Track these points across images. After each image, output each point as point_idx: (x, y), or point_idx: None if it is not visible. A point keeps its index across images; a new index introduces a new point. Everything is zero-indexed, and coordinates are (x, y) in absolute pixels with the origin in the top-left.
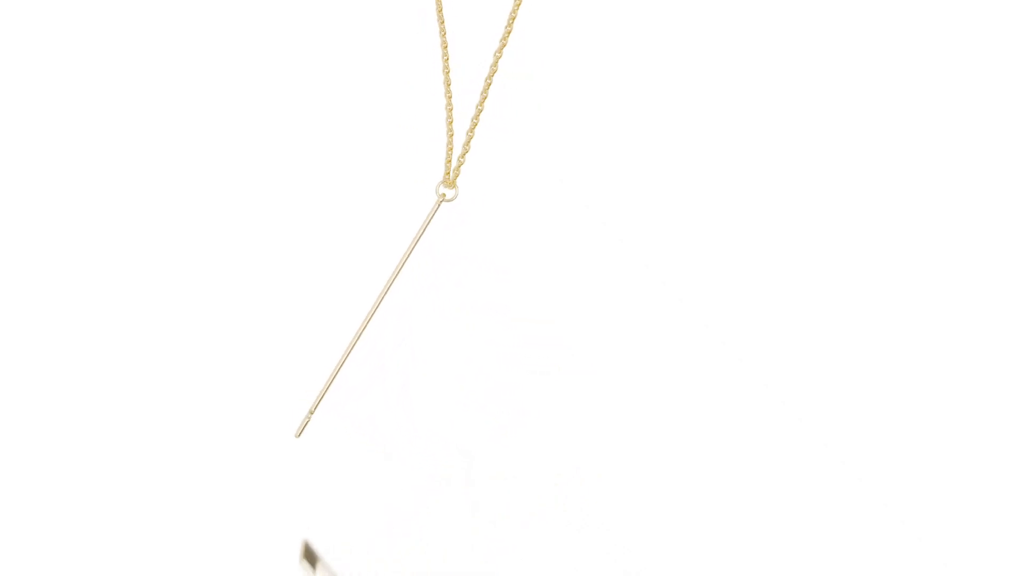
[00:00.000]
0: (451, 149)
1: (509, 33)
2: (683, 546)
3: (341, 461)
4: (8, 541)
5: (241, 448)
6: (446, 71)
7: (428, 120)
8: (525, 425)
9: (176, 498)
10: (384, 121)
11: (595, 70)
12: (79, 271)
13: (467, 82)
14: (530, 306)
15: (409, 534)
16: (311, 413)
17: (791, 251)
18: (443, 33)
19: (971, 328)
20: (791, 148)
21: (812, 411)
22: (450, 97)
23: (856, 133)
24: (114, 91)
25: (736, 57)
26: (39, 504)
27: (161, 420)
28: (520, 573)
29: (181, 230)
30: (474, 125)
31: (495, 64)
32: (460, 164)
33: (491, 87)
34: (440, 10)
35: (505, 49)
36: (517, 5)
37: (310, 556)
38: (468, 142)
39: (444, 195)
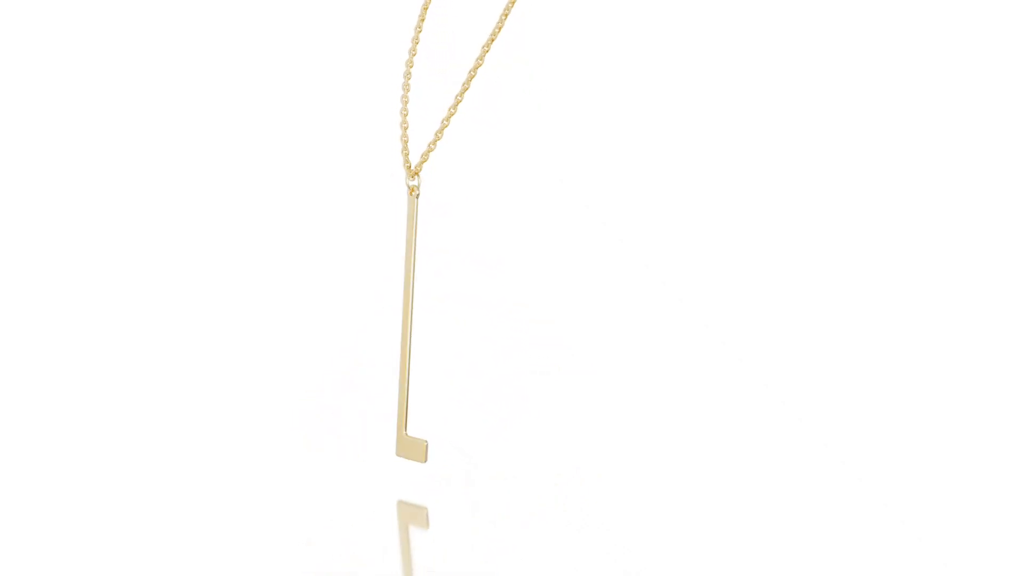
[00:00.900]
0: (406, 140)
1: (500, 28)
2: (683, 546)
3: (340, 462)
4: (9, 542)
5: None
6: (412, 53)
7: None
8: (525, 425)
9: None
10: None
11: (595, 67)
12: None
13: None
14: (529, 306)
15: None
16: (404, 430)
17: (791, 251)
18: (422, 19)
19: (971, 328)
20: (791, 148)
21: (812, 411)
22: (408, 90)
23: (856, 133)
24: (108, 90)
25: (735, 54)
26: (41, 504)
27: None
28: (520, 573)
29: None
30: (451, 115)
31: (481, 57)
32: (429, 151)
33: (474, 79)
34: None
35: (494, 44)
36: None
37: (411, 513)
38: (441, 130)
39: (415, 188)
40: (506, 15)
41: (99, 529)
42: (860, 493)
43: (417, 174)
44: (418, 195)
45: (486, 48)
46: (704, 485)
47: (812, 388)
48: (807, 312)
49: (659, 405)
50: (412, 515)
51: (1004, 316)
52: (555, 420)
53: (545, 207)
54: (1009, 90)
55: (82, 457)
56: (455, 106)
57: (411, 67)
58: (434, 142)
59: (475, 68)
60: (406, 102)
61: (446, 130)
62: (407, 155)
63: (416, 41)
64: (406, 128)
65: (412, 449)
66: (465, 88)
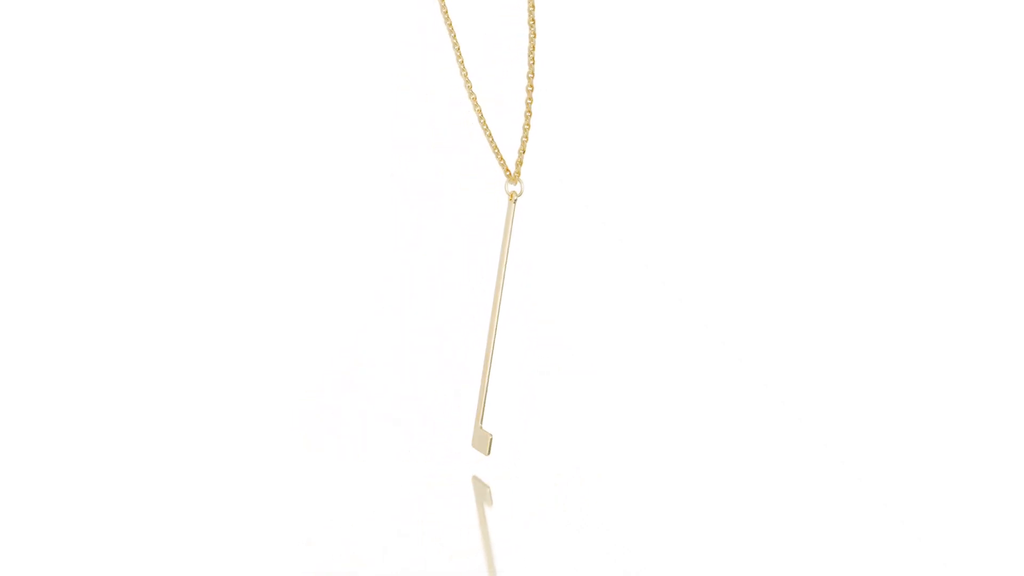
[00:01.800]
0: (495, 147)
1: (535, 35)
2: (683, 546)
3: (340, 463)
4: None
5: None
6: (464, 72)
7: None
8: (525, 425)
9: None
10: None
11: (593, 71)
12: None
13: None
14: (529, 305)
15: (410, 534)
16: (480, 424)
17: (791, 251)
18: (452, 34)
19: (971, 328)
20: (791, 149)
21: (812, 411)
22: (475, 98)
23: (856, 134)
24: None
25: (736, 58)
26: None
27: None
28: (521, 573)
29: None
30: (528, 124)
31: (532, 65)
32: (520, 160)
33: (534, 90)
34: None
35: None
36: (532, 8)
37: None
38: (525, 137)
39: (514, 193)
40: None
41: (99, 529)
42: (860, 493)
43: (518, 178)
44: (516, 200)
45: (532, 55)
46: (704, 484)
47: (812, 388)
48: (807, 312)
49: (659, 405)
50: (481, 493)
51: (1003, 316)
52: (555, 420)
53: (544, 207)
54: (1009, 90)
55: (82, 457)
56: (529, 118)
57: (466, 74)
58: (522, 150)
59: (531, 77)
60: (480, 111)
61: (528, 137)
62: (503, 162)
63: (457, 47)
64: (491, 136)
65: (481, 441)
66: (530, 94)
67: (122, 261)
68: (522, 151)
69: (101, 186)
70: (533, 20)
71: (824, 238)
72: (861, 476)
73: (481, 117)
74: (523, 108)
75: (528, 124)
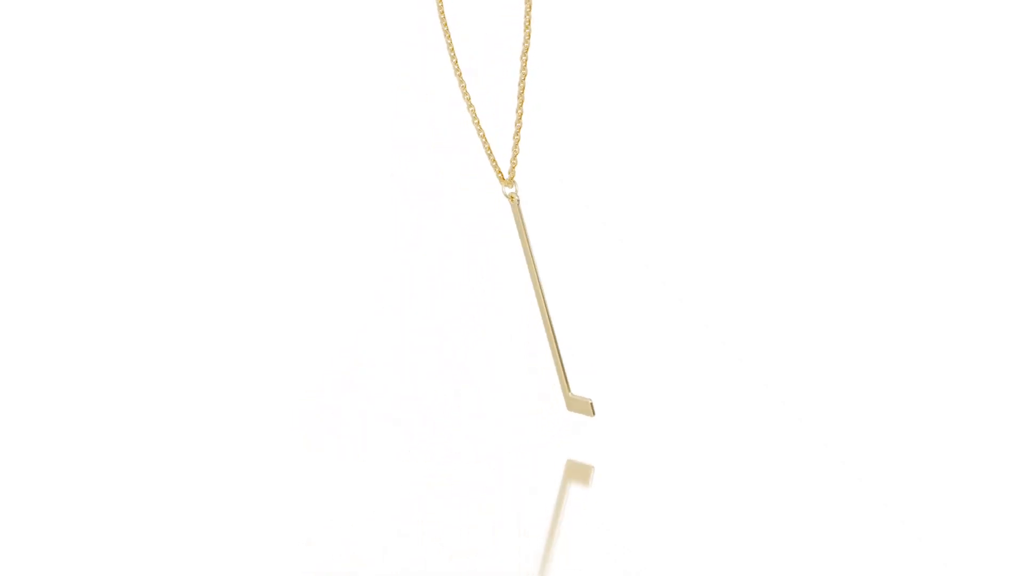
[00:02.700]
0: (489, 149)
1: (530, 35)
2: (683, 546)
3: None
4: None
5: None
6: (458, 73)
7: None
8: (525, 425)
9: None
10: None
11: (593, 70)
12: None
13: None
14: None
15: (411, 534)
16: (568, 391)
17: (791, 251)
18: (448, 36)
19: (971, 328)
20: (791, 149)
21: (812, 411)
22: (469, 99)
23: (856, 134)
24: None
25: (736, 58)
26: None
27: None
28: (521, 572)
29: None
30: (519, 128)
31: (524, 67)
32: (515, 160)
33: (525, 90)
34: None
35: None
36: (529, 7)
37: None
38: (516, 144)
39: (513, 195)
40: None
41: (99, 529)
42: (860, 493)
43: (512, 182)
44: (518, 200)
45: (524, 58)
46: (704, 484)
47: (812, 388)
48: (807, 312)
49: (659, 405)
50: (578, 473)
51: (1003, 316)
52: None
53: (544, 207)
54: (1009, 90)
55: (82, 457)
56: (519, 118)
57: (460, 76)
58: (515, 155)
59: (523, 79)
60: (475, 114)
61: (519, 143)
62: (497, 165)
63: (451, 48)
64: (486, 139)
65: (580, 406)
66: (521, 98)
67: (122, 261)
68: (515, 153)
69: (101, 186)
70: (529, 22)
71: (824, 237)
72: (861, 476)
73: (476, 119)
74: (517, 111)
75: (519, 126)
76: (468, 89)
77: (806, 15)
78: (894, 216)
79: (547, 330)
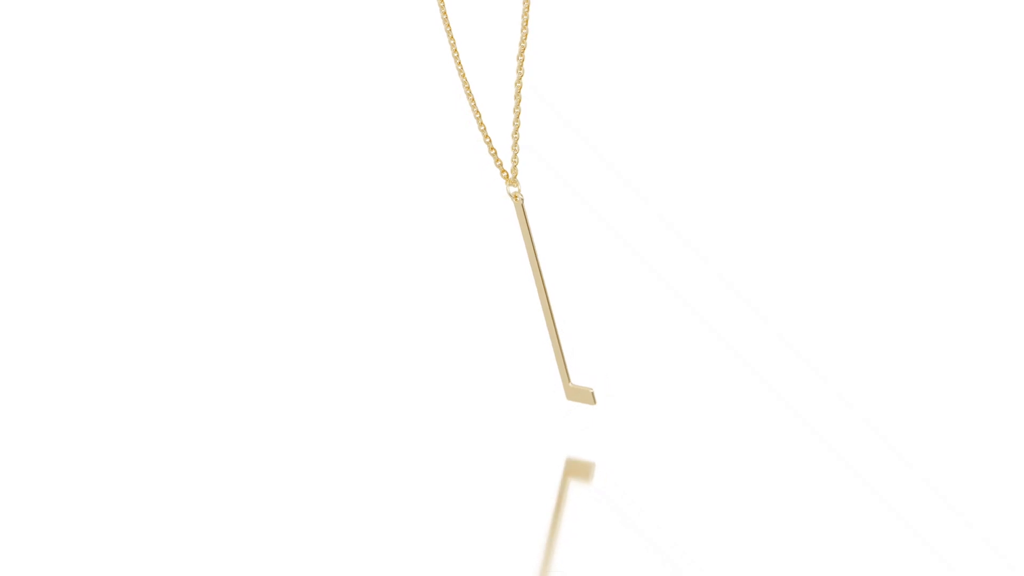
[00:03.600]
0: (493, 150)
1: (527, 35)
2: (683, 546)
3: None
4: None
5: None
6: (461, 73)
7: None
8: (525, 421)
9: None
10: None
11: (594, 68)
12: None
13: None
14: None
15: (410, 535)
16: (568, 381)
17: (791, 250)
18: (450, 36)
19: (971, 327)
20: (793, 147)
21: (812, 411)
22: (473, 101)
23: (857, 133)
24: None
25: (738, 54)
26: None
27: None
28: (521, 572)
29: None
30: (517, 127)
31: (520, 67)
32: (516, 158)
33: (523, 89)
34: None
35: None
36: (527, 7)
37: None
38: (516, 143)
39: (517, 194)
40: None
41: (98, 529)
42: (860, 493)
43: (516, 180)
44: (523, 199)
45: (521, 57)
46: (704, 484)
47: (812, 388)
48: (807, 311)
49: (659, 405)
50: (578, 470)
51: (1004, 315)
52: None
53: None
54: (1009, 90)
55: (82, 458)
56: (516, 118)
57: (463, 74)
58: (515, 154)
59: (519, 79)
60: (478, 113)
61: (518, 141)
62: (501, 164)
63: (454, 47)
64: (489, 140)
65: (580, 395)
66: (518, 98)
67: (121, 261)
68: (516, 152)
69: (100, 186)
70: (526, 22)
71: (824, 236)
72: (861, 476)
73: (479, 119)
74: (514, 110)
75: (517, 125)
76: (471, 89)
77: (812, 12)
78: (894, 215)
79: (548, 322)
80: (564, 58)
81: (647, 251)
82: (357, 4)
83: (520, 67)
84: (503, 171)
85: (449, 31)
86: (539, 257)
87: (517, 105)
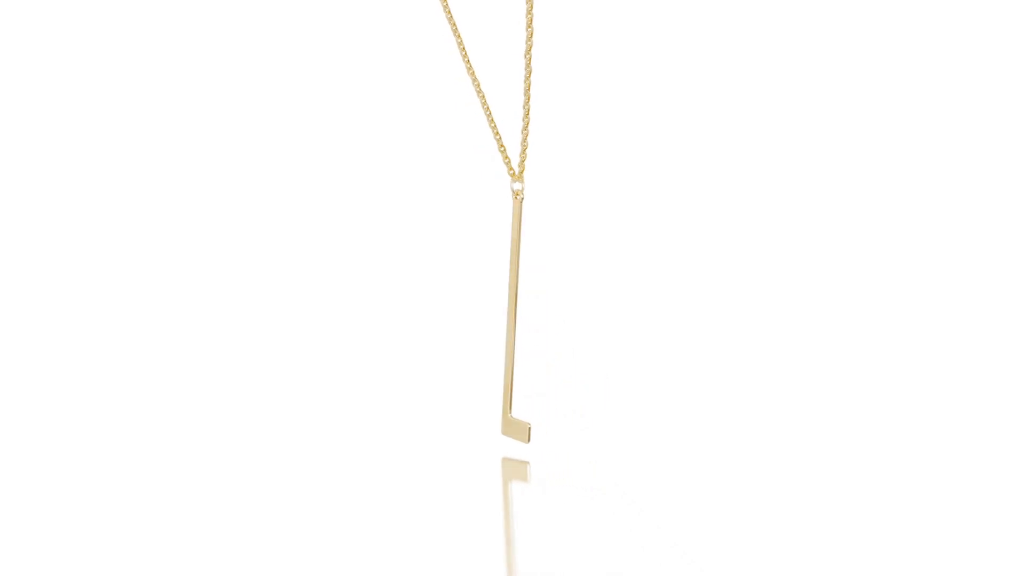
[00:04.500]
0: (502, 147)
1: (532, 33)
2: (683, 545)
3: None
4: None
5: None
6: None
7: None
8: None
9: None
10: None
11: (594, 68)
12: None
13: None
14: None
15: (409, 534)
16: (509, 412)
17: (791, 251)
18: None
19: (971, 327)
20: (794, 149)
21: (812, 411)
22: (483, 97)
23: (856, 134)
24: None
25: (742, 53)
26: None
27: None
28: (522, 572)
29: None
30: (526, 124)
31: (529, 64)
32: (523, 159)
33: (531, 87)
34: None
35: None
36: (531, 6)
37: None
38: (525, 139)
39: (519, 192)
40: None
41: (97, 529)
42: (860, 493)
43: (521, 179)
44: (523, 198)
45: (528, 56)
46: (704, 484)
47: (812, 388)
48: (807, 311)
49: (659, 405)
50: (515, 471)
51: (1004, 315)
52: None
53: (544, 207)
54: (1009, 90)
55: (82, 458)
56: (526, 114)
57: (472, 71)
58: (523, 150)
59: (528, 76)
60: (488, 109)
61: (527, 137)
62: (508, 161)
63: (461, 43)
64: (499, 136)
65: (516, 429)
66: (528, 95)
67: (121, 261)
68: (524, 149)
69: (99, 186)
70: (531, 19)
71: (824, 237)
72: (861, 476)
73: (489, 114)
74: (524, 106)
75: (527, 121)
76: (481, 85)
77: (804, 14)
78: (894, 216)
79: (508, 343)
80: (570, 56)
81: (649, 251)
82: (361, 1)
83: (528, 65)
84: (510, 168)
85: (455, 28)
86: (520, 267)
87: (527, 102)
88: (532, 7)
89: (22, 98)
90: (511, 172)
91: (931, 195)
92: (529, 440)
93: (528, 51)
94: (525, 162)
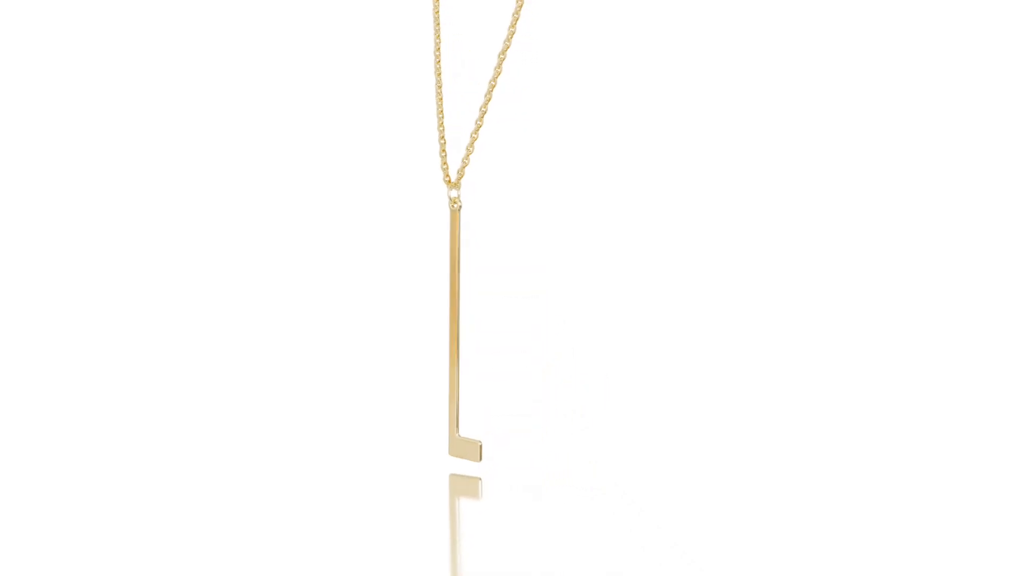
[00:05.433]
0: (444, 152)
1: (512, 35)
2: (683, 545)
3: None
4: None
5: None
6: (438, 73)
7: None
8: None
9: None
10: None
11: (593, 70)
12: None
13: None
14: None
15: (407, 535)
16: (456, 431)
17: (791, 251)
18: (438, 35)
19: (971, 327)
20: (794, 149)
21: (812, 411)
22: (441, 100)
23: (855, 134)
24: (123, 95)
25: (735, 58)
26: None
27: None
28: (522, 572)
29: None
30: (478, 127)
31: (499, 65)
32: (464, 166)
33: (495, 88)
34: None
35: (509, 51)
36: (519, 6)
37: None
38: (472, 144)
39: (456, 199)
40: (516, 19)
41: (97, 530)
42: (860, 493)
43: (457, 186)
44: (460, 207)
45: (502, 56)
46: (704, 484)
47: (812, 388)
48: (807, 311)
49: (659, 405)
50: (464, 487)
51: (1004, 315)
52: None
53: (543, 207)
54: (1009, 90)
55: (81, 458)
56: (481, 117)
57: (440, 75)
58: (467, 156)
59: (495, 77)
60: (441, 114)
61: (475, 142)
62: (447, 168)
63: (438, 49)
64: (444, 142)
65: (466, 449)
66: (488, 98)
67: (120, 261)
68: (468, 154)
69: (99, 186)
70: (516, 19)
71: (824, 237)
72: (861, 476)
73: (440, 118)
74: (481, 108)
75: (479, 124)
76: (443, 87)
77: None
78: (893, 217)
79: (452, 359)
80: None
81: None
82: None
83: (499, 65)
84: (446, 174)
85: (438, 31)
86: (460, 279)
87: (486, 103)
88: (521, 7)
89: (22, 98)
90: (447, 179)
91: (931, 195)
92: (481, 459)
93: (504, 51)
94: (467, 168)
